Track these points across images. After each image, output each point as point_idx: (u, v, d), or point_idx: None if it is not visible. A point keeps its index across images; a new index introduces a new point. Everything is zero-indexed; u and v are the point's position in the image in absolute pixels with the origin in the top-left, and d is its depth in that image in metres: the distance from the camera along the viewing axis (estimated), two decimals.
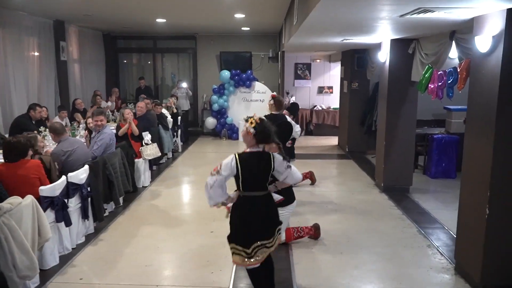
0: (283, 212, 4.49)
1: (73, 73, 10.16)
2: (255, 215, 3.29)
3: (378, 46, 7.10)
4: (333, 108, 11.97)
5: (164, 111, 8.99)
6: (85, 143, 5.78)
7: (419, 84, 5.68)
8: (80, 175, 4.59)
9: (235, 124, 11.36)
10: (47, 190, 3.99)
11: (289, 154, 6.63)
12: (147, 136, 7.06)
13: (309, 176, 7.06)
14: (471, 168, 3.81)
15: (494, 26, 3.37)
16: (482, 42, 3.48)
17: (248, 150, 3.29)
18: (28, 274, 3.41)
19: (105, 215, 5.45)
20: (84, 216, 4.72)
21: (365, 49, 8.92)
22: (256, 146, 3.24)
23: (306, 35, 5.84)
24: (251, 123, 3.17)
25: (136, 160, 6.77)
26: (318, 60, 12.27)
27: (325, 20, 4.33)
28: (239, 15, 8.07)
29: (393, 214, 5.73)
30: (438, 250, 4.58)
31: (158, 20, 8.98)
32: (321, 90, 12.35)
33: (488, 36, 3.40)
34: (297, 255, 4.45)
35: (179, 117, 9.82)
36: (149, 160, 7.09)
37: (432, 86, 5.37)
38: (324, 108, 12.08)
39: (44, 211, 3.93)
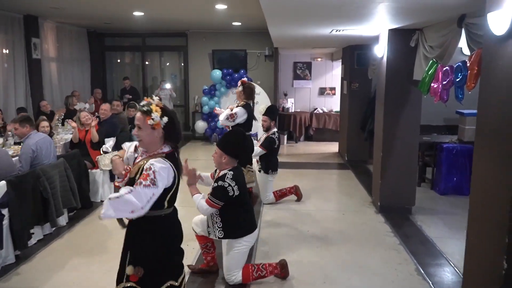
0: (239, 246, 3.56)
1: (48, 72, 9.36)
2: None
3: (377, 40, 6.06)
4: (335, 111, 10.90)
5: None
6: (13, 153, 4.84)
7: (421, 83, 4.62)
8: None
9: (226, 129, 10.36)
10: None
11: (267, 167, 5.70)
12: (108, 143, 6.16)
13: (294, 191, 6.05)
14: (480, 199, 2.74)
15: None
16: (498, 21, 2.43)
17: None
18: None
19: (38, 238, 4.58)
20: None
21: (366, 45, 7.86)
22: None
23: (279, 23, 4.84)
24: (156, 111, 2.36)
25: (93, 171, 5.88)
26: (319, 59, 11.23)
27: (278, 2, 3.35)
28: (220, 6, 7.11)
29: (388, 243, 4.67)
30: None
31: (135, 13, 8.10)
32: (322, 91, 11.30)
33: (508, 11, 2.35)
34: None
35: None
36: (110, 171, 6.17)
37: (435, 86, 4.32)
38: (326, 111, 11.03)
39: None
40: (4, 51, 7.97)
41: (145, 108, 2.31)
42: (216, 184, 3.35)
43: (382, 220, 5.33)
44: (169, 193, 2.39)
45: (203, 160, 8.98)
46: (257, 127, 9.54)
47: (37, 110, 7.81)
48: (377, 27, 5.21)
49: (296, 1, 3.46)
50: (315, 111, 10.96)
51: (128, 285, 2.39)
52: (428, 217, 5.49)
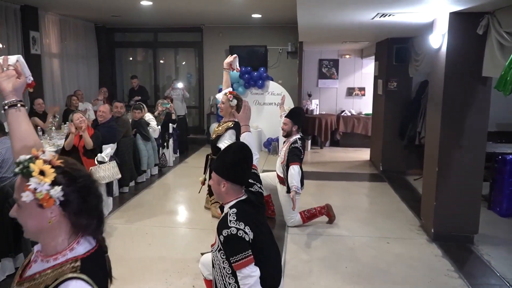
0: None
1: (50, 69, 8.55)
2: None
3: (427, 29, 4.98)
4: (365, 114, 9.81)
5: (148, 116, 7.16)
6: None
7: (500, 80, 3.52)
8: None
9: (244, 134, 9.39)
10: None
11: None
12: (105, 152, 5.23)
13: (325, 212, 5.00)
14: None
15: None
16: None
17: None
18: None
19: (7, 274, 3.67)
20: None
21: (407, 38, 6.77)
22: None
23: (313, 7, 3.81)
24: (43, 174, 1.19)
25: None
26: (347, 56, 10.13)
27: None
28: None
29: (451, 286, 3.60)
30: None
31: (143, 3, 7.19)
32: (350, 92, 10.20)
33: None
34: None
35: (170, 124, 7.97)
36: (108, 184, 5.25)
37: None
38: (354, 113, 9.93)
39: None
40: None
41: (18, 168, 1.21)
42: (222, 237, 2.29)
43: (439, 253, 4.24)
44: None
45: None
46: (278, 131, 8.54)
47: (30, 110, 6.94)
48: (434, 9, 4.14)
49: None
50: (342, 114, 9.88)
51: None
52: (494, 248, 4.39)
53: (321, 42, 8.96)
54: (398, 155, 7.31)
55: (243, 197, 2.41)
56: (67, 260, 1.21)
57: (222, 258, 2.36)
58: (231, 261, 2.29)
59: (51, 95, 8.46)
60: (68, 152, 5.15)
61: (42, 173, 1.15)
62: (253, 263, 2.30)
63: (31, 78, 1.62)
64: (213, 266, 2.50)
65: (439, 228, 4.48)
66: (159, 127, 7.43)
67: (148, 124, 6.87)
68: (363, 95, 10.12)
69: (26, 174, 1.16)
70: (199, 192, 4.89)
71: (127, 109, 7.13)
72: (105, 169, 5.01)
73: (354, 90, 10.18)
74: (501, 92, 3.49)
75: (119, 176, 5.19)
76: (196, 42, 10.57)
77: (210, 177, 3.50)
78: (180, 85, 9.89)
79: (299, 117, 4.87)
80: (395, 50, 6.98)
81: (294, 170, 4.42)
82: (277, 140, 8.84)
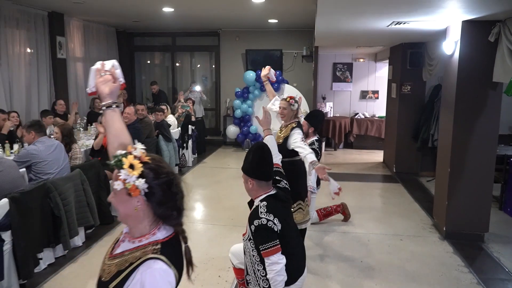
0: None
1: (74, 73, 8.91)
2: None
3: (440, 35, 5.18)
4: (378, 117, 9.99)
5: (170, 118, 7.47)
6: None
7: (509, 86, 3.73)
8: None
9: (260, 134, 9.66)
10: None
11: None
12: None
13: (341, 210, 5.23)
14: None
15: None
16: None
17: None
18: None
19: (48, 262, 3.98)
20: None
21: (421, 43, 6.96)
22: None
23: (333, 12, 4.06)
24: (132, 167, 1.41)
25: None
26: (361, 60, 10.34)
27: None
28: (257, 0, 6.40)
29: (463, 283, 3.80)
30: None
31: (165, 9, 7.50)
32: (364, 95, 10.40)
33: None
34: None
35: (190, 126, 8.26)
36: None
37: None
38: (368, 116, 10.12)
39: None
40: (27, 50, 7.53)
41: (113, 160, 1.42)
42: (253, 227, 2.54)
43: (450, 250, 4.44)
44: None
45: (234, 168, 8.26)
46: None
47: (51, 109, 7.26)
48: (447, 18, 4.35)
49: None
50: (356, 116, 10.08)
51: None
52: (504, 246, 4.57)
53: (336, 47, 9.18)
54: (412, 157, 7.50)
55: (272, 192, 2.66)
56: (150, 242, 1.42)
57: (252, 247, 2.61)
58: (260, 249, 2.54)
59: (75, 97, 8.81)
60: (97, 151, 5.47)
61: (131, 166, 1.37)
62: (280, 252, 2.55)
63: (123, 80, 1.77)
64: (244, 254, 2.76)
65: (450, 226, 4.67)
66: (179, 128, 7.73)
67: (169, 125, 7.16)
68: (377, 98, 10.30)
69: (119, 166, 1.38)
70: None
71: (151, 111, 7.42)
72: None
73: (368, 93, 10.37)
74: (510, 97, 3.70)
75: None
76: (213, 46, 10.86)
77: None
78: (198, 88, 10.19)
79: (316, 119, 5.06)
80: (409, 55, 7.18)
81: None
82: None
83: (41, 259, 3.80)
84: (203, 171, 7.94)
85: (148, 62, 12.09)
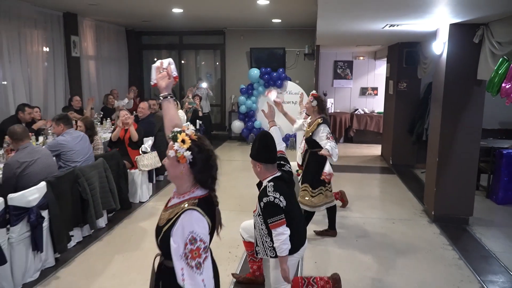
0: (291, 259, 3.25)
1: (87, 70, 9.38)
2: None
3: (432, 36, 5.62)
4: (377, 113, 10.44)
5: (180, 113, 7.93)
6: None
7: (489, 83, 4.17)
8: (29, 196, 3.57)
9: (264, 128, 10.13)
10: None
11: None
12: (146, 143, 6.01)
13: (339, 197, 5.69)
14: None
15: None
16: None
17: None
18: None
19: (77, 240, 4.46)
20: (36, 247, 3.69)
21: (416, 42, 7.40)
22: None
23: (332, 15, 4.51)
24: (183, 141, 1.88)
25: (132, 171, 5.75)
26: (361, 58, 10.78)
27: None
28: (262, 2, 6.85)
29: (446, 257, 4.27)
30: None
31: (174, 10, 7.95)
32: (364, 91, 10.85)
33: None
34: None
35: (197, 121, 8.73)
36: (149, 172, 6.03)
37: (507, 86, 3.88)
38: (367, 112, 10.58)
39: None
40: (44, 48, 7.99)
41: (171, 134, 1.88)
42: (262, 203, 3.02)
43: (437, 231, 4.91)
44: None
45: (239, 161, 8.75)
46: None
47: (68, 106, 7.73)
48: (436, 21, 4.80)
49: None
50: (355, 112, 10.53)
51: None
52: (487, 228, 5.03)
53: (337, 45, 9.61)
54: (407, 150, 7.95)
55: (277, 174, 3.13)
56: (190, 198, 1.88)
57: (261, 221, 3.09)
58: (268, 222, 3.01)
59: (88, 93, 9.26)
60: (114, 143, 5.94)
61: (183, 141, 1.83)
62: (285, 225, 3.02)
63: (176, 74, 2.17)
64: (254, 228, 3.23)
65: (438, 211, 5.14)
66: (188, 123, 8.19)
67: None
68: (376, 94, 10.75)
69: (174, 139, 1.84)
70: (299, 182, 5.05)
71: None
72: (149, 158, 5.80)
73: (367, 89, 10.81)
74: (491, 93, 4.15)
75: (159, 164, 5.96)
76: (219, 44, 11.32)
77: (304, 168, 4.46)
78: (204, 84, 10.65)
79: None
80: (405, 54, 7.62)
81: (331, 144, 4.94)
82: (294, 136, 9.53)
83: (72, 236, 4.28)
84: None
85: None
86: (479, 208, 5.60)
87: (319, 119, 4.52)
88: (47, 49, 8.08)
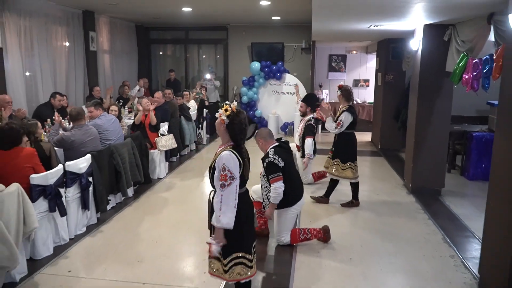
0: (288, 213, 4.18)
1: (102, 63, 10.21)
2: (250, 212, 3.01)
3: (411, 34, 6.49)
4: (368, 103, 11.33)
5: (192, 102, 8.83)
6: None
7: (452, 74, 5.07)
8: (80, 164, 4.45)
9: (264, 117, 11.02)
10: (38, 178, 3.86)
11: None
12: (163, 127, 6.89)
13: (319, 175, 6.60)
14: (499, 169, 3.25)
15: None
16: None
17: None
18: (7, 265, 3.27)
19: (111, 205, 5.35)
20: (84, 206, 4.58)
21: (401, 39, 8.26)
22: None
23: (324, 19, 5.38)
24: (225, 110, 2.78)
25: (151, 151, 6.62)
26: (354, 52, 11.65)
27: (330, 0, 3.90)
28: (264, 2, 7.69)
29: (418, 218, 5.19)
30: (463, 262, 4.04)
31: (185, 9, 8.79)
32: (356, 83, 11.73)
33: None
34: (301, 259, 4.07)
35: (205, 109, 9.61)
36: (166, 151, 6.91)
37: (466, 77, 4.77)
38: (360, 102, 11.46)
39: (35, 200, 3.81)
40: (66, 43, 8.82)
41: (222, 104, 2.86)
42: (265, 163, 3.95)
43: (413, 200, 5.83)
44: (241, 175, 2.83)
45: None
46: (293, 116, 10.12)
47: (90, 95, 8.58)
48: (413, 22, 5.67)
49: (343, 1, 4.00)
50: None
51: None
52: (456, 198, 5.94)
53: (331, 41, 10.48)
54: (393, 136, 8.86)
55: (276, 144, 4.05)
56: (227, 145, 2.79)
57: (265, 180, 4.01)
58: (269, 178, 3.93)
59: (103, 84, 10.10)
60: (136, 126, 6.81)
61: (226, 110, 2.75)
62: (282, 181, 3.93)
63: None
64: (261, 187, 4.15)
65: (415, 183, 6.05)
66: (196, 111, 9.07)
67: (189, 108, 8.51)
68: (368, 86, 11.63)
69: (219, 108, 2.77)
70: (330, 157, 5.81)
71: None
72: (166, 140, 6.69)
73: (360, 81, 11.69)
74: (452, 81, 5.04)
75: (175, 145, 6.87)
76: (222, 39, 12.16)
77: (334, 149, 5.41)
78: (208, 76, 11.50)
79: (312, 100, 6.44)
80: (391, 49, 8.50)
81: (308, 142, 6.01)
82: (292, 124, 10.42)
83: (110, 200, 5.18)
84: (216, 148, 9.28)
85: (161, 53, 13.37)
86: (452, 183, 6.54)
87: (344, 107, 5.36)
88: (69, 44, 8.90)
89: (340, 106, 5.49)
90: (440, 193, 6.04)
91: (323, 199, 5.67)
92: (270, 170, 3.96)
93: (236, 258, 2.85)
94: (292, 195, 4.09)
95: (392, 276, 3.79)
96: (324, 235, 4.35)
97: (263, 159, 4.04)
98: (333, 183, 5.64)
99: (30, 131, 4.26)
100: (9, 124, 3.87)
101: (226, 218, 2.69)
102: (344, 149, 5.38)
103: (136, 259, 4.03)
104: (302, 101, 6.51)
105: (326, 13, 4.95)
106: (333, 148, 5.54)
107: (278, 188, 3.94)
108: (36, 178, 3.84)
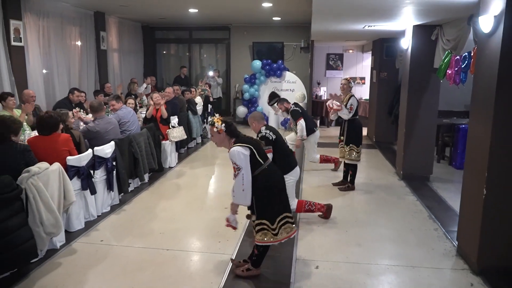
0: (287, 180, 4.66)
1: (112, 61, 10.75)
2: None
3: (402, 34, 7.06)
4: (364, 99, 11.88)
5: (198, 99, 9.39)
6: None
7: (438, 70, 5.65)
8: (106, 149, 4.99)
9: (265, 113, 11.57)
10: (73, 160, 4.40)
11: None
12: (174, 120, 7.44)
13: (334, 160, 7.11)
14: (472, 151, 3.83)
15: (497, 6, 3.38)
16: (485, 22, 3.49)
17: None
18: (53, 231, 3.82)
19: (130, 189, 5.88)
20: (109, 187, 5.13)
21: (394, 38, 8.84)
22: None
23: (323, 20, 5.94)
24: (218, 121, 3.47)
25: (163, 142, 7.16)
26: (350, 51, 12.22)
27: (329, 3, 4.47)
28: (266, 4, 8.25)
29: (407, 200, 5.76)
30: (445, 234, 4.61)
31: (191, 10, 9.33)
32: (353, 80, 12.26)
33: (490, 17, 3.41)
34: (303, 230, 4.63)
35: (209, 104, 10.16)
36: (176, 143, 7.46)
37: (449, 72, 5.35)
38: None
39: (71, 179, 4.35)
40: (79, 42, 9.35)
41: (210, 122, 3.49)
42: (258, 137, 4.40)
43: (404, 185, 6.40)
44: (255, 156, 3.44)
45: None
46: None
47: (95, 90, 9.11)
48: (403, 23, 6.24)
49: (341, 5, 4.57)
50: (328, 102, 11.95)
51: (256, 223, 3.51)
52: (443, 184, 6.51)
53: (329, 40, 11.04)
54: (387, 129, 9.43)
55: (265, 124, 4.51)
56: (232, 145, 3.37)
57: None
58: (264, 149, 4.36)
59: (113, 81, 10.64)
60: (149, 120, 7.35)
61: (219, 121, 3.37)
62: (271, 153, 4.32)
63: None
64: None
65: (406, 170, 6.62)
66: (201, 107, 9.63)
67: (196, 103, 9.06)
68: (364, 83, 12.20)
69: (212, 124, 3.41)
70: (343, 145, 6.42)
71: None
72: (177, 131, 7.24)
73: (356, 79, 12.26)
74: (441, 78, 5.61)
75: (185, 137, 7.42)
76: (225, 38, 12.71)
77: (343, 139, 5.98)
78: (210, 73, 12.06)
79: (276, 96, 6.83)
80: (385, 48, 9.07)
81: (301, 123, 6.43)
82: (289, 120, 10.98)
83: (130, 183, 5.73)
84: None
85: (165, 52, 13.91)
86: (441, 171, 7.12)
87: (348, 95, 5.99)
88: (81, 43, 9.43)
89: (344, 96, 6.06)
90: (429, 179, 6.61)
91: (351, 187, 6.16)
92: (264, 142, 4.34)
93: (260, 225, 3.48)
94: (285, 163, 4.53)
95: (382, 244, 4.36)
96: (326, 211, 4.91)
97: (257, 135, 4.53)
98: (354, 168, 6.14)
99: (62, 119, 4.80)
100: (48, 113, 4.42)
101: (238, 198, 3.47)
102: (356, 134, 6.03)
103: (158, 231, 4.59)
104: (271, 104, 6.90)
105: (325, 15, 5.52)
106: (344, 136, 6.10)
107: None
108: (72, 160, 4.38)
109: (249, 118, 4.71)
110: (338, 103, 5.88)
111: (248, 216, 4.46)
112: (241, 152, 3.36)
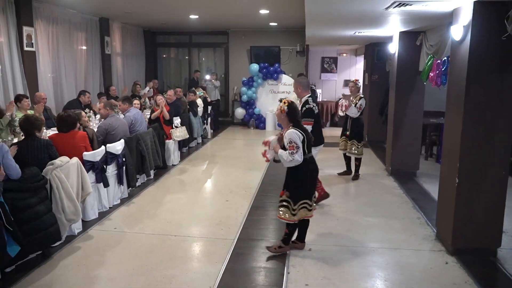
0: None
1: (115, 65, 11.20)
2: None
3: (391, 39, 7.54)
4: None
5: (199, 101, 9.86)
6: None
7: (422, 73, 6.13)
8: (117, 146, 5.44)
9: (262, 115, 12.05)
10: (89, 155, 4.85)
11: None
12: (176, 120, 7.89)
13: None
14: (448, 143, 4.30)
15: (465, 17, 3.86)
16: (456, 31, 3.97)
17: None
18: (73, 218, 4.26)
19: (137, 184, 6.33)
20: (119, 181, 5.58)
21: (385, 43, 9.33)
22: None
23: (316, 26, 6.42)
24: (284, 103, 3.88)
25: (166, 141, 7.61)
26: (344, 54, 12.71)
27: (321, 12, 4.94)
28: (263, 11, 8.73)
29: (394, 193, 6.23)
30: (426, 222, 5.07)
31: (191, 16, 9.80)
32: (346, 83, 12.73)
33: (460, 26, 3.89)
34: None
35: (209, 106, 10.63)
36: (179, 142, 7.91)
37: (432, 75, 5.83)
38: None
39: (87, 172, 4.80)
40: (85, 47, 9.80)
41: (281, 99, 3.97)
42: (304, 108, 4.83)
43: (392, 180, 6.88)
44: (304, 144, 3.87)
45: (242, 139, 10.74)
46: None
47: (106, 94, 9.56)
48: (390, 30, 6.73)
49: (332, 14, 5.04)
50: (340, 101, 12.46)
51: (283, 198, 4.01)
52: (429, 179, 6.97)
53: (323, 44, 11.54)
54: (379, 129, 9.92)
55: (309, 94, 4.96)
56: (289, 127, 3.82)
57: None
58: (303, 120, 4.69)
59: (117, 84, 11.09)
60: (153, 121, 7.80)
61: (285, 102, 3.81)
62: (311, 126, 4.75)
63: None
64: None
65: (394, 166, 7.10)
66: (202, 108, 10.09)
67: (197, 105, 9.52)
68: None
69: (280, 101, 3.87)
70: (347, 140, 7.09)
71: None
72: (180, 131, 7.70)
73: (350, 82, 12.74)
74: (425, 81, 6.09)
75: (188, 136, 7.88)
76: (223, 43, 13.19)
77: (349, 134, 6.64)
78: (207, 77, 12.53)
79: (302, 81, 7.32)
80: (376, 51, 9.56)
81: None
82: None
83: (138, 178, 6.17)
84: (220, 141, 10.34)
85: (165, 55, 14.36)
86: (427, 168, 7.59)
87: (359, 96, 6.72)
88: (87, 48, 9.88)
89: (352, 97, 6.80)
90: (416, 175, 7.09)
91: (356, 175, 6.89)
92: (306, 114, 4.81)
93: (285, 201, 3.98)
94: (318, 137, 4.92)
95: (370, 229, 4.82)
96: (321, 195, 5.44)
97: (302, 106, 4.92)
98: (359, 161, 6.83)
99: (78, 118, 5.25)
100: (66, 112, 4.87)
101: (289, 162, 3.84)
102: (359, 131, 6.75)
103: (165, 220, 5.04)
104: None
105: (317, 21, 5.99)
106: (349, 131, 6.81)
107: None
108: (88, 155, 4.83)
109: (294, 83, 5.14)
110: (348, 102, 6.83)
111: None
112: (298, 133, 3.80)
